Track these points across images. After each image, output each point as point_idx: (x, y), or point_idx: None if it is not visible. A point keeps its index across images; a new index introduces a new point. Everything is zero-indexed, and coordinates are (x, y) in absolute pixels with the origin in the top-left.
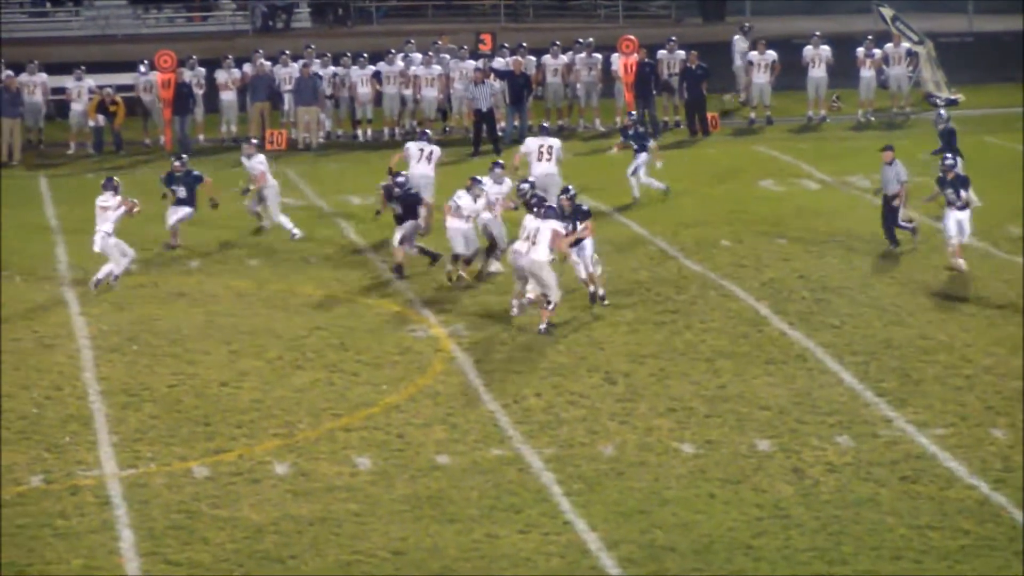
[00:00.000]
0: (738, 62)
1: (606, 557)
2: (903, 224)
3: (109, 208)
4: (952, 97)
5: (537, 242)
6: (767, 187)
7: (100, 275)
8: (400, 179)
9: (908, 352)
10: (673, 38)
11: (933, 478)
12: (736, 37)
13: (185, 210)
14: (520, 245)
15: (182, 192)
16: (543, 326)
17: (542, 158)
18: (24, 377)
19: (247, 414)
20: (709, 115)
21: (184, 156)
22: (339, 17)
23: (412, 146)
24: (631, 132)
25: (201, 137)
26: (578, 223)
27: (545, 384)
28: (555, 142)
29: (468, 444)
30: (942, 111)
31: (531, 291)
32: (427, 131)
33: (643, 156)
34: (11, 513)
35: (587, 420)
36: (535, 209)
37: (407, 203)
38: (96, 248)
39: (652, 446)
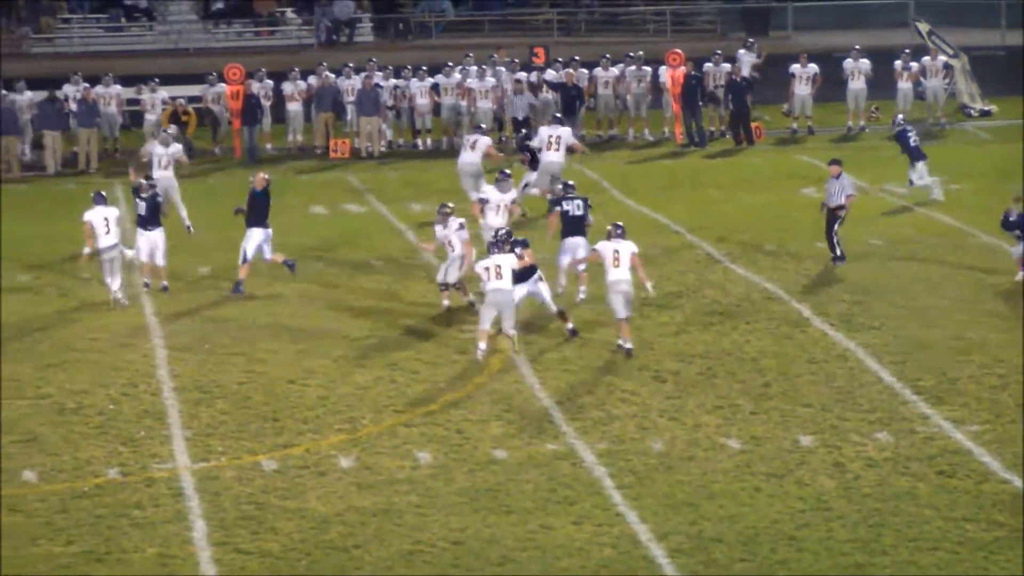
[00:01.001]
0: (744, 74)
1: (656, 548)
2: (834, 242)
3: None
4: (986, 108)
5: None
6: (808, 194)
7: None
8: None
9: (944, 352)
10: (719, 51)
11: (969, 472)
12: (741, 51)
13: (160, 240)
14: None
15: (142, 208)
16: (627, 344)
17: (551, 147)
18: (101, 375)
19: (313, 410)
20: (753, 125)
21: (153, 178)
22: (400, 31)
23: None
24: (526, 152)
25: (269, 146)
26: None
27: (597, 382)
28: (564, 131)
29: (524, 439)
30: (899, 116)
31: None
32: (482, 125)
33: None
34: (89, 504)
35: (638, 416)
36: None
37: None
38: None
39: (700, 441)
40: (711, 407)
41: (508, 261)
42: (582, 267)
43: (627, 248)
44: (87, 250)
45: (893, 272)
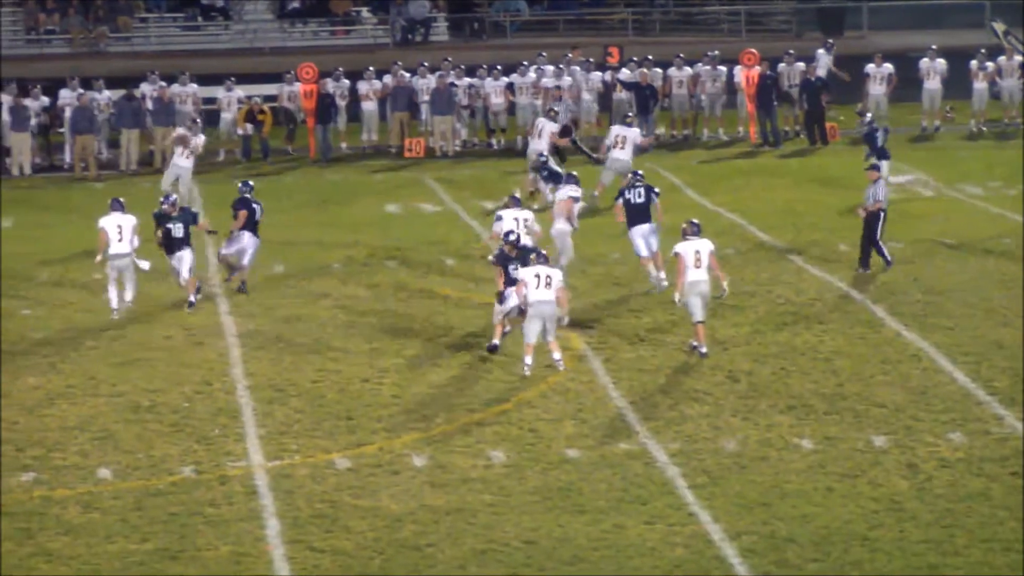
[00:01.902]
0: (821, 73)
1: (728, 548)
2: (880, 248)
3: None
4: None
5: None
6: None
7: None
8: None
9: (1018, 352)
10: (791, 51)
11: None
12: (819, 51)
13: (188, 256)
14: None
15: (179, 231)
16: (703, 349)
17: (617, 146)
18: (176, 373)
19: (387, 409)
20: (827, 125)
21: (173, 196)
22: (475, 31)
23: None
24: (544, 172)
25: (344, 145)
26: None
27: (670, 382)
28: (629, 131)
29: (597, 439)
30: (867, 115)
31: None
32: (554, 108)
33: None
34: (164, 502)
35: (710, 416)
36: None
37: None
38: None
39: (773, 441)
40: (784, 407)
41: (556, 273)
42: (655, 271)
43: (706, 247)
44: (99, 257)
45: (967, 272)
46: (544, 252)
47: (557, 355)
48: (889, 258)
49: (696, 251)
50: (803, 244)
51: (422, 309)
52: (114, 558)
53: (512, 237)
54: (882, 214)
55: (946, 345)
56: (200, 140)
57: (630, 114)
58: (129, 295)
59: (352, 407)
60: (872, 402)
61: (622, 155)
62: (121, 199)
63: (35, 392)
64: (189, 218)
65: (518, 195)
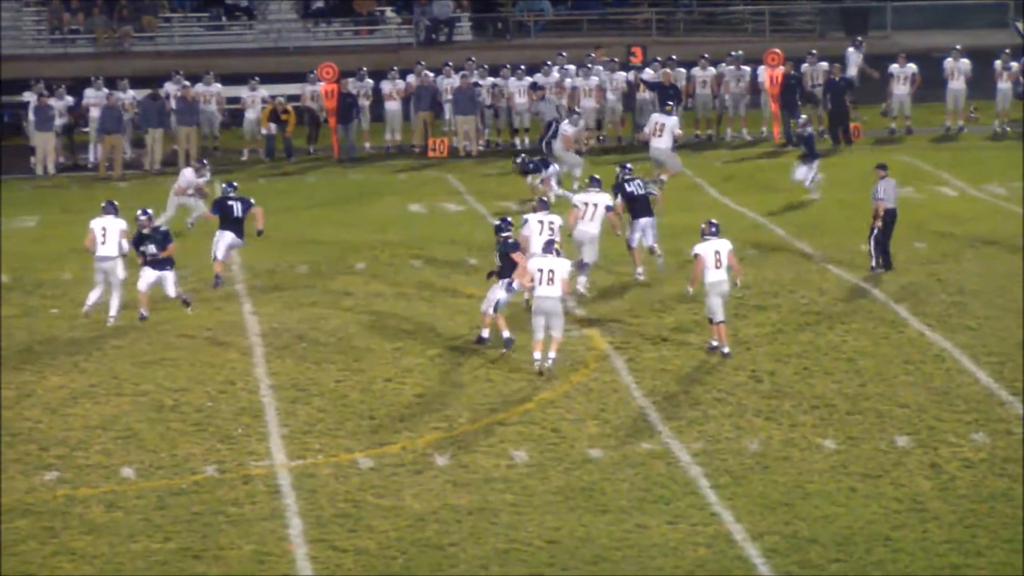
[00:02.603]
0: (852, 72)
1: (751, 548)
2: (873, 249)
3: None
4: None
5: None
6: (907, 194)
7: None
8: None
9: None
10: (813, 51)
11: None
12: (849, 50)
13: (152, 277)
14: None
15: (152, 250)
16: (725, 349)
17: (655, 134)
18: (199, 372)
19: (410, 408)
20: (852, 125)
21: (149, 210)
22: (499, 31)
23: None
24: (530, 164)
25: (367, 144)
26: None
27: (694, 382)
28: (668, 119)
29: (619, 438)
30: (802, 119)
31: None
32: (577, 110)
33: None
34: (187, 501)
35: (733, 416)
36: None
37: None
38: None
39: (796, 442)
40: (807, 407)
41: (562, 267)
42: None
43: (725, 247)
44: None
45: (991, 272)
46: (553, 240)
47: (552, 354)
48: (875, 264)
49: (716, 251)
50: (826, 244)
51: (446, 309)
52: (137, 557)
53: (505, 234)
54: (886, 213)
55: (970, 345)
56: (206, 179)
57: (670, 103)
58: (114, 307)
59: (375, 406)
60: (895, 402)
61: (661, 143)
62: (115, 202)
63: (59, 391)
64: (160, 239)
65: (545, 199)
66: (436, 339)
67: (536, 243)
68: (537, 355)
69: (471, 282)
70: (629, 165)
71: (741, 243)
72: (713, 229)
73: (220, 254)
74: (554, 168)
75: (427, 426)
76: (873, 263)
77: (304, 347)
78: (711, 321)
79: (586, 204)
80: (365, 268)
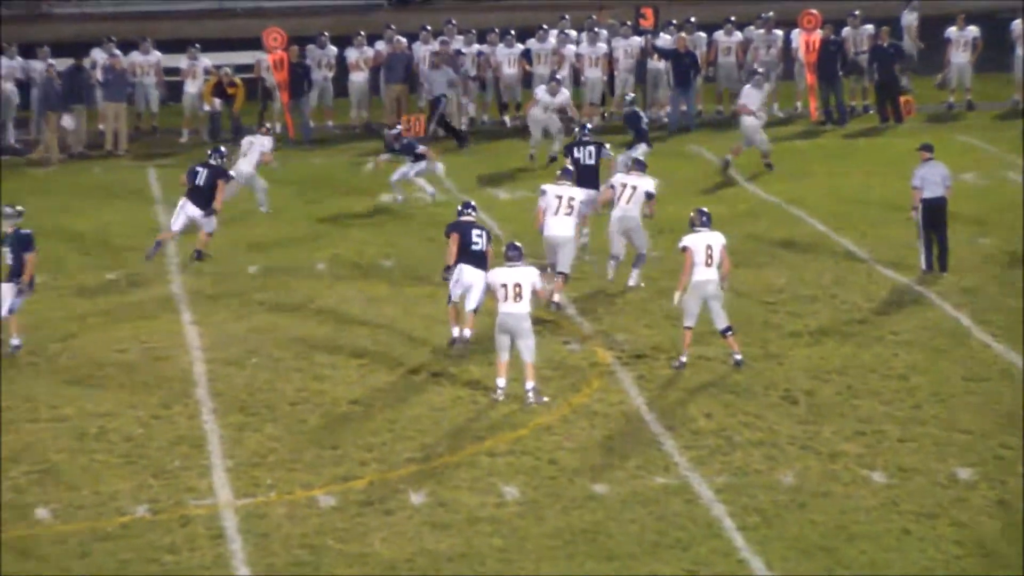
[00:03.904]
0: (907, 38)
1: None
2: (926, 241)
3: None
4: None
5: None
6: (968, 181)
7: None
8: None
9: None
10: (856, 12)
11: None
12: (904, 11)
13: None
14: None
15: (9, 258)
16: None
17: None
18: (130, 394)
19: (379, 436)
20: (902, 99)
21: (19, 207)
22: None
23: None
24: (396, 146)
25: (330, 123)
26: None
27: (716, 403)
28: (758, 92)
29: (628, 471)
30: (629, 96)
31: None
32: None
33: (421, 164)
34: (114, 547)
35: (764, 444)
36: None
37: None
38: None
39: (838, 474)
40: (851, 433)
41: (530, 276)
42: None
43: (718, 241)
44: None
45: None
46: (519, 245)
47: (529, 384)
48: (926, 264)
49: (708, 245)
50: (873, 240)
51: (422, 318)
52: None
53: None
54: (928, 204)
55: None
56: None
57: (631, 94)
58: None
59: (338, 434)
60: (955, 427)
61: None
62: None
63: None
64: (19, 244)
65: (570, 167)
66: (411, 353)
67: (551, 221)
68: (501, 381)
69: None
70: (590, 126)
71: (773, 239)
72: (704, 219)
73: (176, 225)
74: (409, 168)
75: (400, 457)
76: (923, 263)
77: (254, 363)
78: (687, 327)
79: (624, 186)
80: (327, 269)
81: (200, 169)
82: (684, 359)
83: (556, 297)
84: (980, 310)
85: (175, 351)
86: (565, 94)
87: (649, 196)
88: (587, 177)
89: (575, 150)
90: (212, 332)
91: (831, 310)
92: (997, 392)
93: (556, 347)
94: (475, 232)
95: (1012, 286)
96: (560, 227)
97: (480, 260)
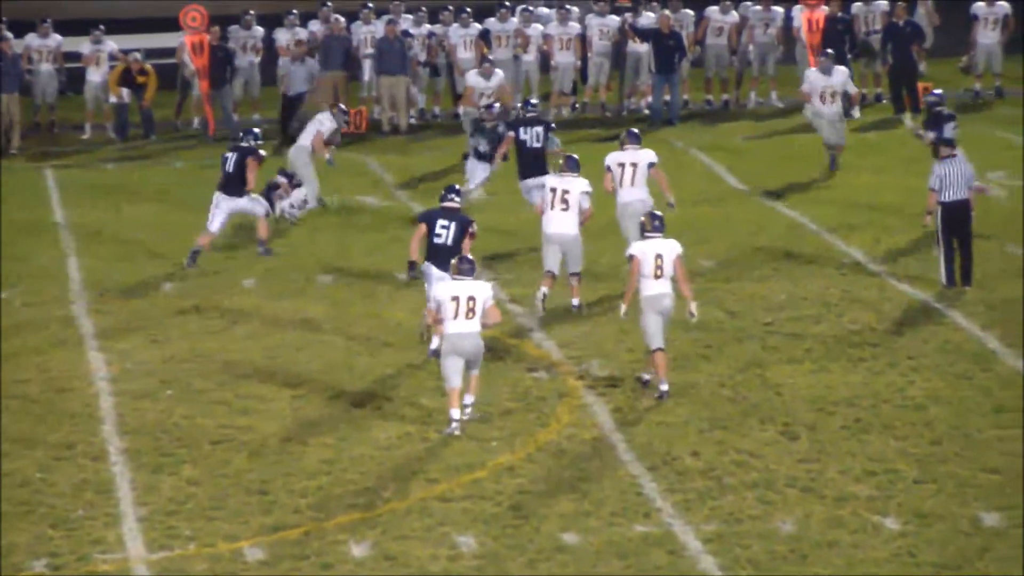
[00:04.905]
0: (920, 11)
1: None
2: (946, 250)
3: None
4: None
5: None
6: (998, 179)
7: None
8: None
9: None
10: None
11: None
12: None
13: None
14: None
15: None
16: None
17: (824, 100)
18: (28, 431)
19: (315, 479)
20: (920, 86)
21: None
22: None
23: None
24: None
25: (256, 116)
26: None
27: (705, 440)
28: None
29: (603, 518)
30: (495, 105)
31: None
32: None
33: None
34: None
35: (759, 487)
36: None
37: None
38: None
39: (845, 521)
40: (860, 473)
41: (484, 292)
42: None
43: (671, 250)
44: None
45: None
46: (472, 258)
47: (470, 399)
48: (947, 277)
49: (657, 255)
50: (887, 249)
51: (365, 342)
52: None
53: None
54: (948, 208)
55: None
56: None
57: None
58: None
59: (268, 477)
60: (981, 466)
61: (828, 110)
62: None
63: None
64: None
65: (576, 156)
66: (352, 383)
67: (548, 216)
68: (455, 413)
69: (400, 305)
70: (535, 101)
71: (770, 247)
72: (657, 224)
73: (214, 225)
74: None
75: (339, 503)
76: (944, 276)
77: (170, 395)
78: (654, 350)
79: (621, 166)
80: (256, 286)
81: (229, 154)
82: (665, 387)
83: (575, 301)
84: (1010, 331)
85: (78, 382)
86: (500, 75)
87: (651, 165)
88: (533, 164)
89: (521, 130)
90: (121, 360)
91: (837, 331)
92: None
93: (520, 375)
94: (440, 223)
95: None
96: (561, 224)
97: (443, 257)
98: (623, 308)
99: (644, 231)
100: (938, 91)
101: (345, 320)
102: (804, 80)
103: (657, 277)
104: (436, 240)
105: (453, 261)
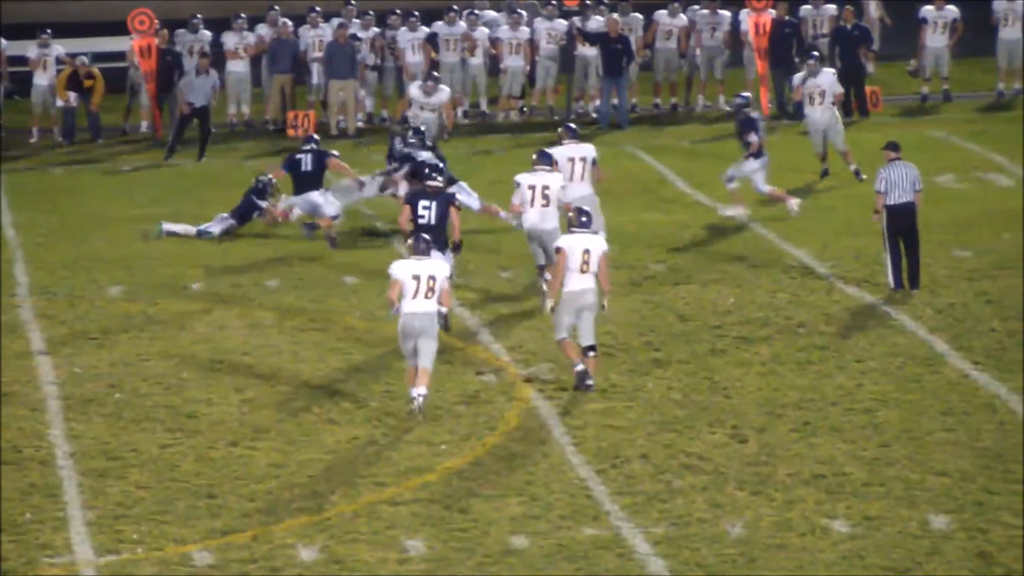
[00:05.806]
0: (873, 14)
1: None
2: (893, 254)
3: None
4: None
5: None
6: (945, 184)
7: None
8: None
9: None
10: None
11: None
12: None
13: None
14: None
15: None
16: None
17: (813, 103)
18: None
19: (264, 483)
20: (868, 90)
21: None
22: None
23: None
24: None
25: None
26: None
27: (654, 442)
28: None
29: (552, 521)
30: (420, 128)
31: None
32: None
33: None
34: None
35: (708, 490)
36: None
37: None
38: None
39: (793, 524)
40: (809, 476)
41: (443, 271)
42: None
43: (597, 246)
44: None
45: None
46: (428, 238)
47: (421, 390)
48: (894, 280)
49: (585, 250)
50: (835, 253)
51: (314, 346)
52: None
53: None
54: (894, 210)
55: None
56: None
57: (813, 58)
58: None
59: (216, 481)
60: (929, 468)
61: (817, 114)
62: None
63: None
64: None
65: (549, 151)
66: (300, 388)
67: (530, 213)
68: (415, 391)
69: (352, 309)
70: (423, 129)
71: (720, 252)
72: (583, 219)
73: (330, 212)
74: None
75: (287, 507)
76: (891, 279)
77: (117, 399)
78: (560, 340)
79: (572, 160)
80: (203, 290)
81: (300, 156)
82: (589, 381)
83: (548, 303)
84: (958, 334)
85: (24, 386)
86: (445, 92)
87: (593, 162)
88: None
89: (420, 203)
90: (67, 364)
91: (786, 335)
92: (977, 428)
93: (468, 378)
94: (422, 203)
95: (996, 305)
96: (542, 219)
97: (429, 236)
98: (549, 303)
99: (571, 226)
100: (745, 94)
101: (293, 324)
102: (791, 84)
103: (583, 272)
104: (420, 220)
105: (409, 241)
